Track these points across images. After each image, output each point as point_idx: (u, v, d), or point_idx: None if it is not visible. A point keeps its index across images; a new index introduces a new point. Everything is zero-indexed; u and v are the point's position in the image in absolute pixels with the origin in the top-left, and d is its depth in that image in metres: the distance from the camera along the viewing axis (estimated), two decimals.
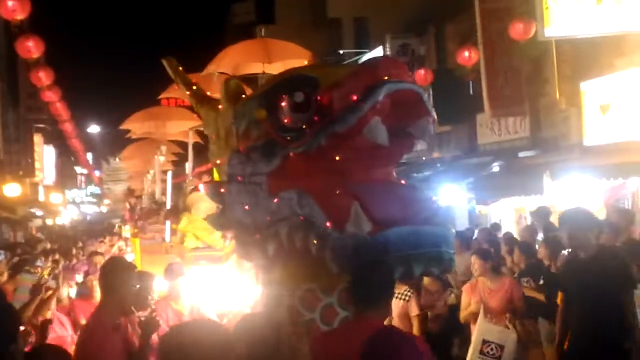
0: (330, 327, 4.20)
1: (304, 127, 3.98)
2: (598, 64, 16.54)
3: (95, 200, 63.05)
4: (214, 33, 42.02)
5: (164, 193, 15.32)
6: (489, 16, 19.87)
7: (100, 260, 12.76)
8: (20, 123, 36.62)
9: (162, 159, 16.68)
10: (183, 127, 15.71)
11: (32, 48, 17.52)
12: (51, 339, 7.43)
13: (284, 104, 4.02)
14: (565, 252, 9.33)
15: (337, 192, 3.90)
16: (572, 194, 15.51)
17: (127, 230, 23.28)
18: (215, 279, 7.22)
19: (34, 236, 31.02)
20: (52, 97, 24.10)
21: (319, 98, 3.96)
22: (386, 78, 3.88)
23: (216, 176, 5.38)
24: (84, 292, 9.18)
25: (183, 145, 18.66)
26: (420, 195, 4.01)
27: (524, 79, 19.63)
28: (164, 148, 16.21)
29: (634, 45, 14.41)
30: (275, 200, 4.03)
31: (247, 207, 4.17)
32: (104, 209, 54.26)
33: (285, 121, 4.03)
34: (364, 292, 3.79)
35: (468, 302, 7.81)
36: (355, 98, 3.86)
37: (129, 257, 16.97)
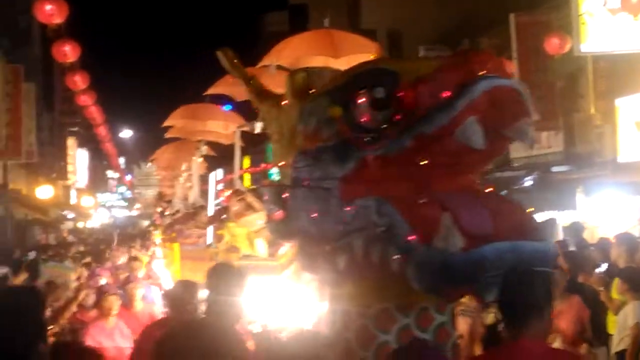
0: None
1: (384, 126, 3.47)
2: (633, 80, 16.07)
3: (125, 204, 62.92)
4: (247, 41, 41.66)
5: (201, 196, 14.90)
6: (524, 30, 19.50)
7: (138, 267, 12.23)
8: (55, 126, 36.56)
9: (200, 160, 16.19)
10: (225, 128, 15.10)
11: (68, 52, 17.25)
12: (109, 347, 7.09)
13: (361, 100, 3.50)
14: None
15: (421, 201, 3.37)
16: (605, 210, 15.06)
17: (157, 235, 22.84)
18: (268, 290, 6.61)
19: (65, 238, 30.75)
20: (86, 100, 23.88)
21: (400, 94, 3.45)
22: (482, 73, 3.37)
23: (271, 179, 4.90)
24: (124, 300, 8.75)
25: (217, 148, 18.15)
26: (515, 207, 3.47)
27: (558, 94, 19.19)
28: (204, 148, 15.70)
29: None
30: (349, 208, 3.50)
31: (314, 215, 3.64)
32: (134, 213, 54.06)
33: (362, 119, 3.50)
34: (519, 310, 3.33)
35: None
36: (446, 95, 3.35)
37: (160, 263, 16.50)
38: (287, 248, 8.43)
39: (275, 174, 36.91)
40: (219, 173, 13.30)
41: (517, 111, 3.38)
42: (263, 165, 30.56)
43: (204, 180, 17.33)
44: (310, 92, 4.00)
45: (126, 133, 53.59)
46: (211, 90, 12.20)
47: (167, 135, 17.36)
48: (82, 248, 22.55)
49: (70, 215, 38.20)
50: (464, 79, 3.37)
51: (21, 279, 11.06)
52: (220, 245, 8.36)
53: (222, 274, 4.32)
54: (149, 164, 35.04)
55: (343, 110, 3.54)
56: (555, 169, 19.68)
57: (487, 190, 3.62)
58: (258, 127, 11.76)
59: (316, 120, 3.76)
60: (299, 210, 3.77)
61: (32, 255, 15.00)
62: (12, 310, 3.57)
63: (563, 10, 17.31)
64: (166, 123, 15.81)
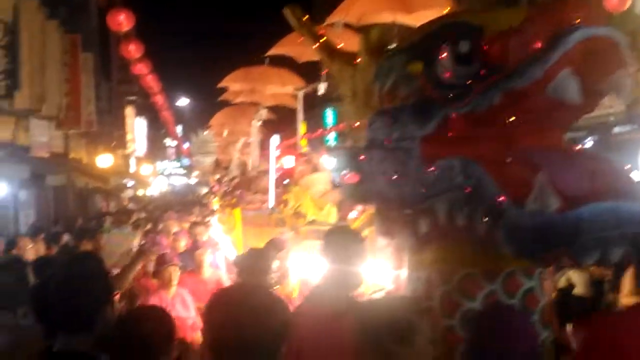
0: None
1: (468, 82, 3.25)
2: None
3: (184, 172, 63.28)
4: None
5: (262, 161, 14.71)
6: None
7: (201, 231, 12.18)
8: (113, 95, 36.82)
9: (258, 124, 15.94)
10: (285, 91, 14.81)
11: (122, 21, 17.27)
12: None
13: (443, 56, 3.28)
14: None
15: (510, 161, 3.15)
16: None
17: (215, 202, 22.85)
18: None
19: (126, 206, 31.07)
20: (142, 69, 23.94)
21: (485, 48, 3.22)
22: (577, 21, 3.12)
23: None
24: (191, 266, 8.65)
25: (274, 112, 17.93)
26: (611, 166, 3.23)
27: None
28: (263, 111, 15.43)
29: None
30: (431, 170, 3.30)
31: (393, 178, 3.44)
32: (192, 181, 54.35)
33: (446, 76, 3.29)
34: None
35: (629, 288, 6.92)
36: (538, 46, 3.11)
37: (218, 230, 16.43)
38: (356, 213, 8.26)
39: (331, 139, 36.67)
40: (277, 138, 13.13)
41: (613, 63, 3.13)
42: (320, 130, 30.41)
43: (261, 145, 17.19)
44: (387, 49, 3.78)
45: (183, 101, 53.79)
46: (272, 51, 11.91)
47: (223, 98, 17.04)
48: (142, 215, 22.72)
49: (130, 183, 38.57)
50: (556, 28, 3.13)
51: (84, 246, 11.12)
52: (286, 211, 8.16)
53: (340, 240, 4.06)
54: (206, 132, 35.02)
55: (424, 66, 3.33)
56: (617, 129, 19.14)
57: (578, 148, 3.38)
58: (322, 88, 11.59)
59: (394, 78, 3.56)
60: (375, 173, 3.57)
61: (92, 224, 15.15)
62: (78, 275, 3.58)
63: None
64: (223, 83, 15.46)
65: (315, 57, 11.49)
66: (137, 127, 43.68)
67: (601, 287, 9.14)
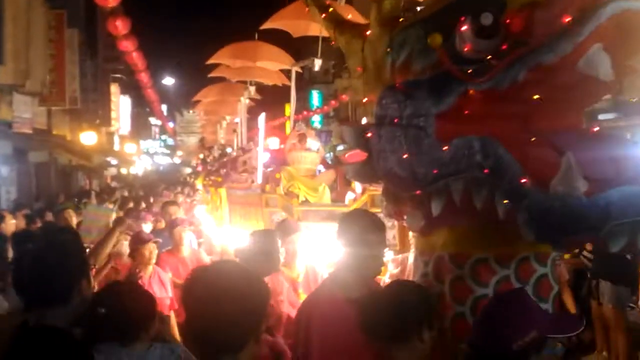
0: None
1: (489, 57, 3.06)
2: None
3: (168, 151, 62.70)
4: None
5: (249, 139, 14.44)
6: None
7: (174, 211, 11.74)
8: (98, 73, 36.35)
9: (246, 101, 15.65)
10: (275, 67, 14.50)
11: None
12: None
13: (464, 28, 3.08)
14: None
15: (534, 140, 2.96)
16: None
17: (199, 181, 22.60)
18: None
19: (109, 184, 30.78)
20: (128, 46, 23.55)
21: (508, 21, 3.03)
22: None
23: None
24: (169, 245, 8.35)
25: (260, 91, 17.61)
26: (635, 148, 3.04)
27: None
28: (252, 88, 15.13)
29: None
30: (446, 148, 3.11)
31: (405, 156, 3.25)
32: (177, 160, 53.94)
33: (465, 49, 3.09)
34: None
35: None
36: (567, 20, 2.91)
37: (201, 209, 16.16)
38: (352, 195, 8.07)
39: (317, 121, 36.48)
40: (261, 118, 12.88)
41: None
42: (305, 112, 30.20)
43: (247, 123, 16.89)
44: (400, 20, 3.57)
45: (169, 80, 53.17)
46: (267, 25, 11.61)
47: (212, 74, 16.61)
48: (125, 193, 22.47)
49: (114, 161, 38.24)
50: (586, 2, 2.93)
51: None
52: (277, 190, 7.93)
53: (359, 222, 3.86)
54: (192, 112, 34.75)
55: (443, 39, 3.13)
56: (601, 116, 19.04)
57: (600, 131, 3.19)
58: (317, 64, 11.34)
59: (408, 52, 3.36)
60: (384, 151, 3.37)
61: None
62: (53, 249, 3.49)
63: None
64: (212, 60, 15.01)
65: (311, 32, 11.31)
66: (121, 105, 43.15)
67: (582, 278, 9.09)
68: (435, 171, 3.17)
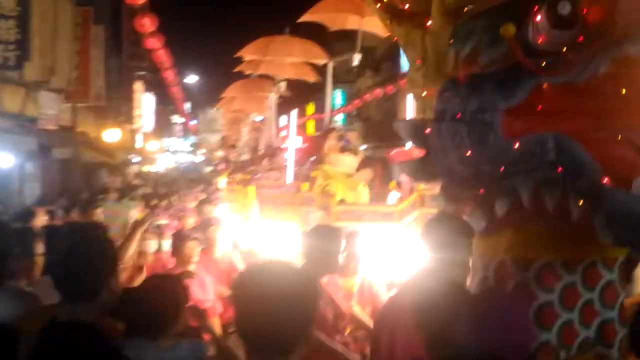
0: (571, 312, 3.15)
1: (563, 49, 2.86)
2: None
3: (191, 149, 62.55)
4: None
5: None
6: None
7: (210, 210, 11.69)
8: (122, 70, 36.38)
9: (277, 96, 15.16)
10: (311, 61, 13.66)
11: None
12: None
13: (538, 18, 2.87)
14: None
15: (613, 139, 2.75)
16: None
17: (222, 179, 22.36)
18: (386, 240, 5.75)
19: (131, 182, 30.77)
20: (154, 43, 23.46)
21: (585, 11, 2.83)
22: None
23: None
24: (203, 244, 8.11)
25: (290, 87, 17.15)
26: None
27: None
28: (283, 84, 14.58)
29: None
30: (516, 145, 2.92)
31: (468, 153, 3.05)
32: (199, 158, 53.81)
33: (539, 41, 2.89)
34: None
35: None
36: None
37: (224, 209, 15.89)
38: (397, 194, 7.86)
39: (339, 120, 36.19)
40: (293, 114, 12.52)
41: None
42: (330, 112, 29.94)
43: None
44: (465, 10, 3.37)
45: (192, 78, 53.13)
46: (304, 18, 11.15)
47: (239, 69, 15.72)
48: (148, 190, 22.37)
49: (136, 159, 38.24)
50: None
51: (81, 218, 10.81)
52: (314, 189, 7.71)
53: (447, 226, 3.64)
54: (215, 110, 34.59)
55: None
56: None
57: None
58: (357, 58, 11.06)
59: (475, 43, 3.16)
60: (445, 148, 3.17)
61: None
62: (81, 245, 3.48)
63: None
64: (241, 53, 14.18)
65: (349, 26, 11.07)
66: (145, 103, 43.14)
67: None
68: (501, 169, 2.99)
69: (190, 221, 11.60)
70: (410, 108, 7.83)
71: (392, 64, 30.01)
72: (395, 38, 3.97)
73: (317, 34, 14.60)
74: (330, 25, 11.09)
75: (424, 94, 3.54)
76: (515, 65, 2.95)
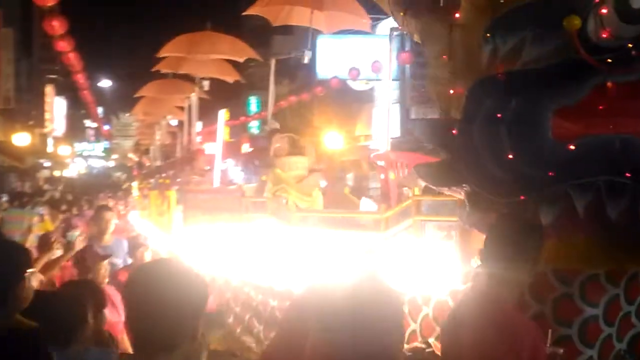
0: (612, 326, 2.88)
1: (629, 45, 2.54)
2: None
3: (103, 154, 60.86)
4: None
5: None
6: None
7: (110, 217, 10.07)
8: (33, 73, 34.97)
9: (194, 98, 14.05)
10: (234, 58, 12.66)
11: None
12: None
13: (604, 11, 2.53)
14: None
15: None
16: None
17: (135, 185, 21.45)
18: (373, 251, 4.70)
19: (41, 186, 29.55)
20: (64, 46, 22.38)
21: None
22: None
23: None
24: (129, 263, 7.42)
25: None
26: None
27: None
28: (205, 83, 13.51)
29: None
30: (572, 147, 2.58)
31: (510, 156, 2.70)
32: (111, 163, 52.29)
33: (603, 35, 2.55)
34: None
35: None
36: None
37: (135, 215, 14.93)
38: (369, 202, 7.43)
39: (254, 127, 35.64)
40: (221, 114, 11.63)
41: None
42: (243, 118, 29.39)
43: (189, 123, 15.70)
44: (502, 2, 2.99)
45: (105, 83, 51.49)
46: (249, 11, 10.28)
47: (157, 68, 14.32)
48: (57, 195, 21.44)
49: (47, 163, 36.76)
50: None
51: None
52: (266, 194, 7.16)
53: (514, 226, 3.23)
54: (128, 115, 33.47)
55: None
56: None
57: None
58: (308, 56, 10.38)
59: (518, 37, 2.81)
60: (477, 151, 2.82)
61: None
62: None
63: None
64: (161, 53, 12.95)
65: (293, 21, 10.47)
66: (56, 107, 41.62)
67: None
68: (551, 174, 2.65)
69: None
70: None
71: (308, 72, 29.73)
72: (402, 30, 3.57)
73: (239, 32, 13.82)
74: (273, 20, 10.30)
75: (451, 92, 3.14)
76: (570, 62, 2.63)
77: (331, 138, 20.42)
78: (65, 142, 44.32)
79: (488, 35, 2.93)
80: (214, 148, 15.19)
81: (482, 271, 2.80)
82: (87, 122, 59.61)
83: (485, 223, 3.10)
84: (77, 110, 50.75)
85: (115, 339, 5.75)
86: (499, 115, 2.74)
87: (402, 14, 3.56)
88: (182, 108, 17.29)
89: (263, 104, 36.31)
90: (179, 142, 18.74)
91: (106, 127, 54.88)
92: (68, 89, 42.28)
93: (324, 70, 25.42)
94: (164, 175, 15.48)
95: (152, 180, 17.80)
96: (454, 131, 2.94)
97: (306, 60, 10.40)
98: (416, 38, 3.55)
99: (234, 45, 12.49)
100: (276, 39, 29.12)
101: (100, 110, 52.33)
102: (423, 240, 4.36)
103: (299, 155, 7.42)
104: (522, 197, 2.80)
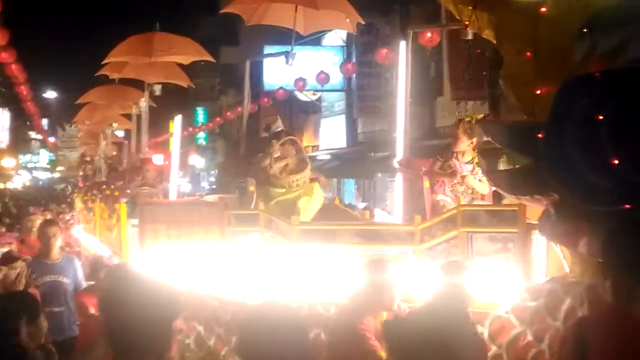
0: None
1: None
2: None
3: (48, 166, 59.71)
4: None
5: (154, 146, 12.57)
6: None
7: (54, 232, 8.90)
8: None
9: (144, 105, 13.19)
10: (186, 60, 11.75)
11: None
12: None
13: None
14: None
15: None
16: None
17: (79, 198, 20.44)
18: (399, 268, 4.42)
19: None
20: (6, 58, 21.77)
21: None
22: None
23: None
24: (92, 284, 6.81)
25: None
26: None
27: (485, 64, 18.38)
28: (157, 87, 12.19)
29: None
30: None
31: (615, 161, 2.46)
32: (57, 175, 51.21)
33: None
34: None
35: None
36: None
37: (78, 230, 14.16)
38: (383, 213, 6.94)
39: (202, 138, 35.02)
40: (177, 119, 10.71)
41: None
42: (190, 129, 28.72)
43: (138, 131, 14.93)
44: None
45: (50, 94, 50.33)
46: (226, 9, 9.62)
47: (102, 72, 13.32)
48: None
49: None
50: None
51: None
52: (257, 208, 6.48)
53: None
54: (73, 126, 32.48)
55: None
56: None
57: None
58: (292, 57, 9.61)
59: (623, 34, 2.52)
60: (571, 156, 2.56)
61: None
62: None
63: None
64: (108, 59, 11.90)
65: (266, 21, 9.82)
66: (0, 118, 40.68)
67: None
68: None
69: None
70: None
71: (255, 82, 29.31)
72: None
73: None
74: (247, 19, 9.47)
75: (537, 92, 2.76)
76: None
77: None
78: (9, 154, 43.45)
79: (585, 30, 2.66)
80: (160, 159, 14.53)
81: (605, 285, 2.49)
82: (32, 134, 58.53)
83: (572, 234, 2.79)
84: (22, 121, 49.74)
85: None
86: (598, 116, 2.46)
87: (470, 7, 3.21)
88: (129, 116, 16.57)
89: (210, 115, 35.81)
90: (125, 152, 18.00)
91: (51, 139, 53.80)
92: (12, 101, 41.31)
93: (270, 80, 25.17)
94: (112, 186, 14.54)
95: (96, 192, 16.99)
96: (539, 134, 2.65)
97: (290, 63, 9.69)
98: (487, 34, 3.20)
99: (187, 46, 11.67)
100: (224, 50, 28.70)
101: (45, 121, 51.38)
102: (470, 253, 3.97)
103: (303, 168, 6.88)
104: (626, 206, 2.50)
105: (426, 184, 6.06)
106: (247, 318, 2.53)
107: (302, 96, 24.44)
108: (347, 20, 9.09)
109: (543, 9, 2.92)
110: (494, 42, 3.34)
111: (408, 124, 7.20)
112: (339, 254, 5.29)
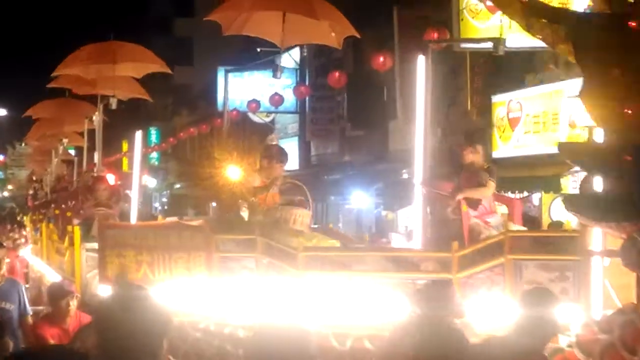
0: None
1: None
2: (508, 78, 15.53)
3: None
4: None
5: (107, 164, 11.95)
6: (406, 23, 18.56)
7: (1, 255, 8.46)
8: None
9: (97, 119, 12.52)
10: (144, 70, 11.26)
11: None
12: None
13: None
14: None
15: None
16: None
17: (27, 219, 19.64)
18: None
19: None
20: None
21: None
22: None
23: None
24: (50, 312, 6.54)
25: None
26: None
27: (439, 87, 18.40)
28: (113, 100, 11.34)
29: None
30: None
31: None
32: (6, 194, 49.72)
33: None
34: None
35: None
36: None
37: (26, 251, 13.49)
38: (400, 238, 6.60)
39: (154, 158, 34.42)
40: (138, 135, 10.02)
41: None
42: (143, 149, 28.10)
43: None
44: None
45: (0, 112, 48.99)
46: (210, 17, 9.02)
47: (54, 84, 12.54)
48: None
49: None
50: None
51: None
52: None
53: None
54: (24, 145, 31.57)
55: None
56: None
57: None
58: (281, 71, 9.20)
59: None
60: None
61: None
62: None
63: (444, 6, 16.30)
64: (58, 71, 11.24)
65: (245, 32, 9.38)
66: None
67: None
68: None
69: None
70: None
71: (207, 103, 28.93)
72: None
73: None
74: (225, 29, 8.97)
75: (628, 112, 2.51)
76: None
77: (232, 171, 19.63)
78: None
79: None
80: (112, 179, 13.93)
81: None
82: None
83: None
84: None
85: None
86: None
87: (544, 20, 2.92)
88: (81, 133, 15.74)
89: (163, 136, 35.27)
90: (77, 170, 17.18)
91: (0, 157, 52.36)
92: None
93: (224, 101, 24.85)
94: (62, 206, 13.78)
95: (44, 212, 16.27)
96: (627, 157, 2.42)
97: (279, 76, 9.40)
98: (561, 49, 2.92)
99: (143, 55, 11.11)
100: (177, 70, 28.33)
101: None
102: (519, 281, 3.71)
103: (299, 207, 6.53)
104: None
105: (464, 207, 5.70)
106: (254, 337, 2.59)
107: (256, 118, 24.16)
108: (332, 34, 8.71)
109: (632, 23, 2.76)
110: (570, 57, 3.03)
111: (428, 143, 6.65)
112: (356, 283, 4.95)
